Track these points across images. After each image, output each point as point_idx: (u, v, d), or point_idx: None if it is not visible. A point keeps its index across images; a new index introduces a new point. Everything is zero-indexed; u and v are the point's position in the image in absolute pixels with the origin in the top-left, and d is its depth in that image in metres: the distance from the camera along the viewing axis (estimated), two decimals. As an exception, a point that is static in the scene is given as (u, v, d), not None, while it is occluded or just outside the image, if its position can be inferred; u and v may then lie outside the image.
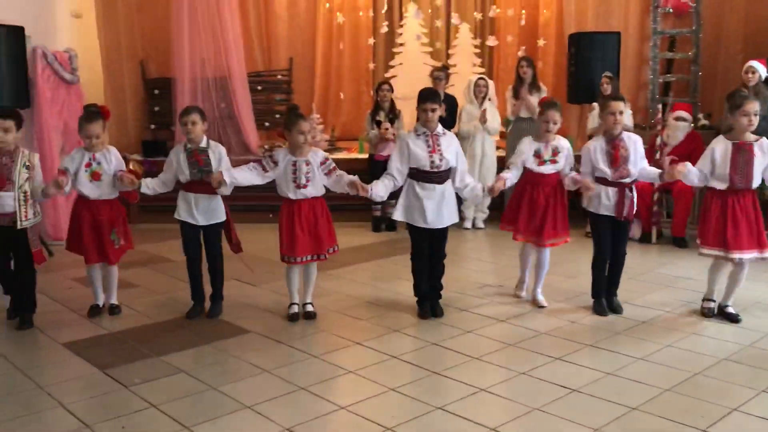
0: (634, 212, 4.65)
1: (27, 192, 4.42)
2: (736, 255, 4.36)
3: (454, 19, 9.82)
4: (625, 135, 4.59)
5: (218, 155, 4.57)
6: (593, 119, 7.13)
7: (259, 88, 9.24)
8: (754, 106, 4.28)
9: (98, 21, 8.72)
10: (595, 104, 7.22)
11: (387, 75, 9.58)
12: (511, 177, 4.74)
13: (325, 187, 4.60)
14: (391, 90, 7.60)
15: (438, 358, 4.02)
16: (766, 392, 3.52)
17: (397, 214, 4.63)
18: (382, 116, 7.46)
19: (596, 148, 4.60)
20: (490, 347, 4.18)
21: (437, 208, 4.51)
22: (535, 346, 4.19)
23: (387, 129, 7.29)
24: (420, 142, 4.50)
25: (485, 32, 9.99)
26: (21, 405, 3.46)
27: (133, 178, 4.52)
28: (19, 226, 4.38)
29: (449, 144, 4.55)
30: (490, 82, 7.62)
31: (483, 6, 9.95)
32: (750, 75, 6.50)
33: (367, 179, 4.70)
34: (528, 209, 4.75)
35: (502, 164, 7.68)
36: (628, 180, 4.56)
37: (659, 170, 4.54)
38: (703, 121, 7.85)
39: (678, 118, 6.80)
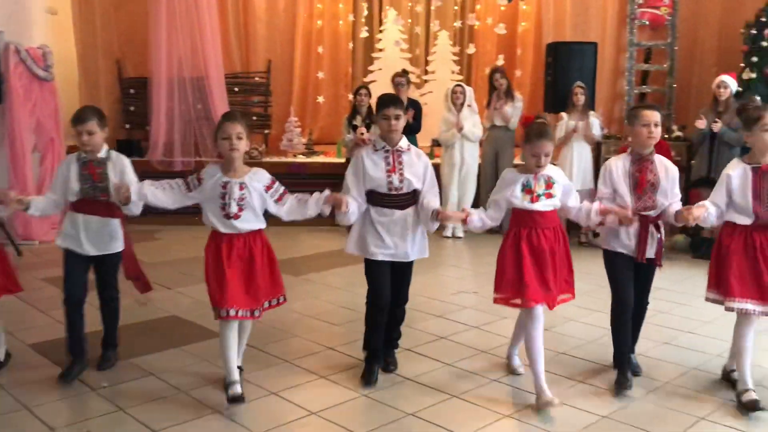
0: (661, 254, 3.66)
1: None
2: None
3: (434, 26, 9.87)
4: (657, 158, 3.63)
5: (120, 169, 3.69)
6: (560, 129, 7.20)
7: (236, 89, 9.19)
8: None
9: (74, 18, 8.63)
10: (564, 114, 7.29)
11: (366, 80, 9.59)
12: (482, 218, 3.59)
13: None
14: (369, 95, 7.60)
15: (411, 364, 4.00)
16: None
17: (350, 246, 3.77)
18: (358, 121, 7.47)
19: (618, 167, 3.63)
20: (463, 353, 4.18)
21: (398, 238, 3.66)
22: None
23: (362, 134, 7.28)
24: (378, 159, 3.66)
25: (464, 40, 10.05)
26: (-15, 407, 3.39)
27: (12, 199, 3.65)
28: None
29: (413, 162, 3.68)
30: (469, 89, 7.65)
31: (463, 14, 10.00)
32: (722, 90, 6.59)
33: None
34: (532, 262, 3.46)
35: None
36: (652, 213, 3.60)
37: (677, 209, 3.58)
38: (677, 133, 7.95)
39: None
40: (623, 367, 3.69)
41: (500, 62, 9.07)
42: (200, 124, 8.58)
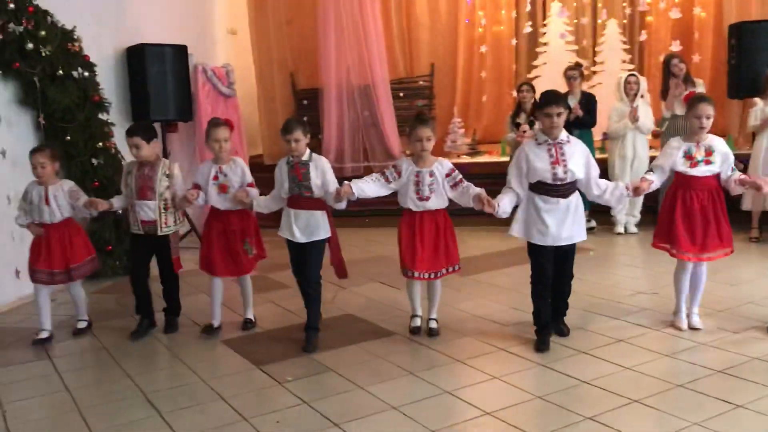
0: None
1: (167, 200, 4.61)
2: None
3: (601, 15, 9.49)
4: None
5: (320, 170, 4.32)
6: (755, 115, 6.62)
7: (401, 94, 9.37)
8: None
9: (252, 36, 9.28)
10: (758, 99, 6.70)
11: (529, 76, 9.43)
12: (655, 180, 4.22)
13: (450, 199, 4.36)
14: (532, 90, 7.46)
15: (587, 367, 3.88)
16: None
17: (515, 230, 4.20)
18: (522, 118, 7.34)
19: None
20: (643, 358, 3.98)
21: (561, 223, 4.06)
22: (693, 357, 3.94)
23: (524, 132, 7.16)
24: (541, 152, 4.05)
25: (634, 27, 9.57)
26: (187, 396, 3.75)
27: (244, 197, 4.48)
28: (159, 233, 4.61)
29: (574, 152, 4.06)
30: (642, 79, 7.29)
31: (632, 0, 9.54)
32: None
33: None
34: (684, 219, 4.16)
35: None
36: None
37: None
38: None
39: None
40: None
41: (676, 48, 8.53)
42: (368, 131, 8.86)
